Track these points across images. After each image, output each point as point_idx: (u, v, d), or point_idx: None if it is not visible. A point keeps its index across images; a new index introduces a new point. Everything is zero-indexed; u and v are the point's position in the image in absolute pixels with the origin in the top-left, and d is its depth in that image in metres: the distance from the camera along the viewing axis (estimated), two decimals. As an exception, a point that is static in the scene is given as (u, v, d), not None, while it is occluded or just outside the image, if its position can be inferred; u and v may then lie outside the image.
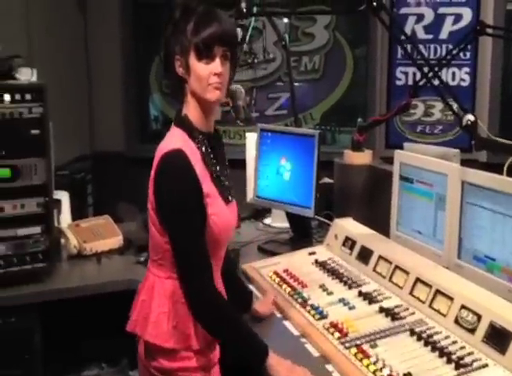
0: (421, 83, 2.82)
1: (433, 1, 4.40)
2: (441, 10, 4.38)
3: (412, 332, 1.78)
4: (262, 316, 2.05)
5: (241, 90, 2.87)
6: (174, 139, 1.72)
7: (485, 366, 1.59)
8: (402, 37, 2.64)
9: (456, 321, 1.75)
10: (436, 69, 2.73)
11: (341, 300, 2.05)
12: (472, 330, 1.69)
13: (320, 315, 1.96)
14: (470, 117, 2.07)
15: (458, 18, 4.35)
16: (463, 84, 4.38)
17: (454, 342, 1.70)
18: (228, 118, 3.70)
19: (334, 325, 1.87)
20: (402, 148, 2.51)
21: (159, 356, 1.76)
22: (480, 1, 4.31)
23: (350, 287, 2.14)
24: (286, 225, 2.97)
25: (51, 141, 2.52)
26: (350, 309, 1.99)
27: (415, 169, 2.30)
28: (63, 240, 2.76)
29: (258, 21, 4.36)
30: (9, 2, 3.55)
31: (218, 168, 1.79)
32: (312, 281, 2.22)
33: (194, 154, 1.71)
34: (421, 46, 4.32)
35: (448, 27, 4.37)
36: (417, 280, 1.97)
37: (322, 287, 2.16)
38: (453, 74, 4.36)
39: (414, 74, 4.38)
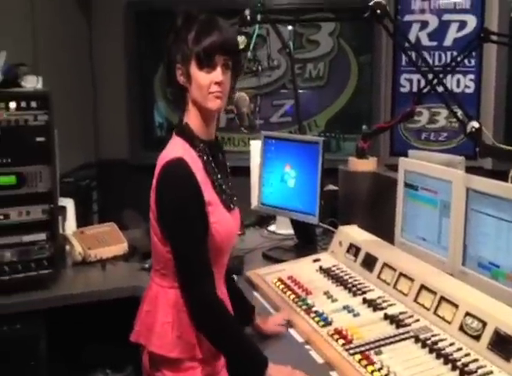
0: (426, 90, 2.82)
1: (437, 8, 4.40)
2: (446, 17, 4.38)
3: (417, 339, 1.78)
4: (265, 334, 1.99)
5: (245, 97, 2.88)
6: (176, 148, 1.73)
7: (490, 373, 1.59)
8: (407, 45, 2.65)
9: (461, 328, 1.75)
10: (440, 76, 2.73)
11: (346, 307, 2.04)
12: (477, 337, 1.69)
13: (325, 322, 1.96)
14: (474, 124, 2.08)
15: (462, 25, 4.35)
16: (468, 91, 4.38)
17: (459, 349, 1.70)
18: (232, 125, 3.70)
19: (339, 332, 1.87)
20: (406, 155, 2.51)
21: (164, 366, 1.76)
22: (484, 8, 4.31)
23: (354, 294, 2.13)
24: (291, 232, 2.97)
25: (56, 148, 2.53)
26: (354, 316, 1.99)
27: (419, 176, 2.30)
28: (67, 247, 2.77)
29: (262, 28, 4.37)
30: (14, 11, 3.57)
31: (219, 176, 1.79)
32: (317, 288, 2.22)
33: (195, 163, 1.71)
34: (425, 53, 4.32)
35: (452, 34, 4.37)
36: (422, 287, 1.97)
37: (327, 294, 2.16)
38: (458, 80, 4.37)
39: (419, 81, 4.39)
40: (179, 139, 1.76)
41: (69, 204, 2.95)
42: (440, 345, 1.73)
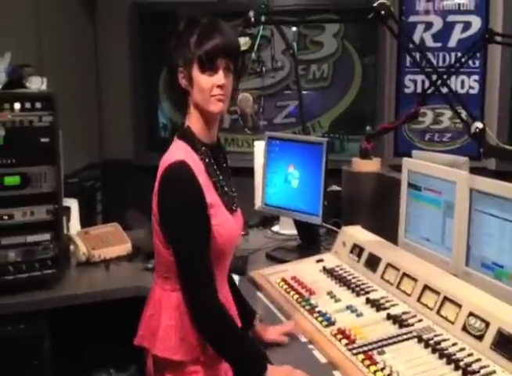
0: (430, 91, 2.82)
1: (442, 9, 4.40)
2: (450, 18, 4.38)
3: (420, 339, 1.78)
4: (264, 341, 1.94)
5: (249, 98, 2.89)
6: (178, 151, 1.73)
7: (493, 373, 1.59)
8: (411, 46, 2.65)
9: (464, 328, 1.75)
10: (445, 77, 2.73)
11: (349, 307, 2.05)
12: (480, 337, 1.69)
13: (328, 322, 1.96)
14: (478, 124, 2.08)
15: (467, 26, 4.35)
16: (472, 91, 4.37)
17: (462, 349, 1.70)
18: (236, 126, 3.70)
19: (342, 332, 1.87)
20: (410, 156, 2.51)
21: (167, 370, 1.76)
22: (489, 9, 4.30)
23: (358, 294, 2.13)
24: (294, 232, 2.97)
25: (60, 149, 2.53)
26: (357, 315, 1.99)
27: (423, 177, 2.30)
28: (72, 247, 2.78)
29: (266, 29, 4.36)
30: (19, 12, 3.58)
31: (221, 178, 1.80)
32: (320, 288, 2.22)
33: (197, 165, 1.72)
34: (430, 54, 4.32)
35: (457, 35, 4.37)
36: (425, 287, 1.97)
37: (330, 294, 2.16)
38: (462, 81, 4.36)
39: (423, 82, 4.38)
40: (181, 142, 1.76)
41: (73, 204, 2.96)
42: (443, 344, 1.73)
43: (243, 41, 2.76)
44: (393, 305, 2.01)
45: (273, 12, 3.19)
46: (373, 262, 2.25)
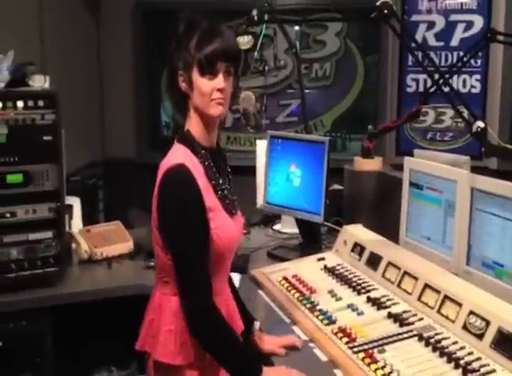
0: (432, 90, 2.82)
1: (444, 8, 4.40)
2: (453, 17, 4.38)
3: (421, 337, 1.78)
4: (262, 351, 1.92)
5: (251, 97, 2.89)
6: (177, 155, 1.73)
7: (493, 371, 1.59)
8: (413, 45, 2.65)
9: (465, 327, 1.75)
10: (447, 76, 2.73)
11: (350, 305, 2.05)
12: (480, 336, 1.69)
13: (329, 320, 1.96)
14: (480, 123, 2.08)
15: (469, 25, 4.34)
16: (474, 91, 4.37)
17: (462, 348, 1.70)
18: (238, 125, 3.70)
19: (343, 330, 1.88)
20: (412, 155, 2.51)
21: (168, 375, 1.76)
22: (491, 8, 4.30)
23: (359, 293, 2.14)
24: (296, 231, 2.98)
25: (63, 147, 2.54)
26: (358, 314, 2.00)
27: (425, 176, 2.30)
28: (74, 245, 2.79)
29: (269, 28, 4.37)
30: (22, 11, 3.59)
31: (220, 181, 1.80)
32: (321, 287, 2.22)
33: (197, 169, 1.71)
34: (432, 53, 4.31)
35: (459, 35, 4.36)
36: (426, 285, 1.97)
37: (331, 292, 2.17)
38: (464, 80, 4.36)
39: (425, 81, 4.38)
40: (181, 145, 1.76)
41: (75, 202, 2.97)
42: (443, 343, 1.73)
43: (246, 40, 2.77)
44: (394, 304, 2.02)
45: (276, 11, 3.19)
46: (374, 261, 2.26)
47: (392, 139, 4.51)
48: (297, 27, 4.55)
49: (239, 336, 1.79)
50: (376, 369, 1.65)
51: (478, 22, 4.33)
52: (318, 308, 2.06)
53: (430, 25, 4.42)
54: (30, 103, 2.42)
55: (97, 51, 4.78)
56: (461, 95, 3.48)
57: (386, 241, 2.40)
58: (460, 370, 1.60)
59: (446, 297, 1.87)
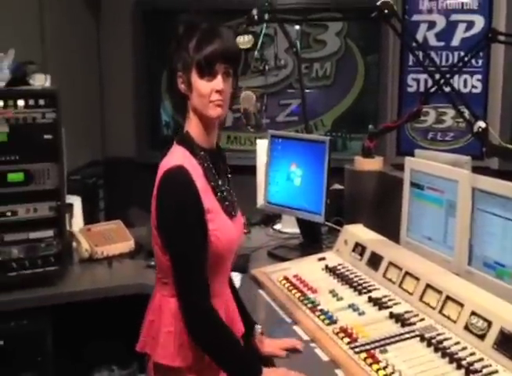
0: (433, 90, 2.82)
1: (445, 8, 4.40)
2: (453, 17, 4.38)
3: (422, 338, 1.78)
4: (261, 353, 1.91)
5: (252, 96, 2.89)
6: (176, 156, 1.72)
7: (495, 372, 1.59)
8: (414, 45, 2.65)
9: (466, 327, 1.75)
10: (448, 76, 2.73)
11: (351, 305, 2.05)
12: (482, 337, 1.69)
13: (330, 320, 1.96)
14: (481, 123, 2.08)
15: (470, 25, 4.35)
16: (475, 91, 4.37)
17: (464, 348, 1.70)
18: (239, 124, 3.70)
19: (344, 330, 1.87)
20: (413, 155, 2.51)
21: None
22: (492, 8, 4.30)
23: (360, 293, 2.14)
24: (297, 230, 2.97)
25: (63, 146, 2.54)
26: (360, 314, 1.99)
27: (425, 176, 2.30)
28: (74, 244, 2.79)
29: (270, 28, 4.37)
30: (23, 10, 3.59)
31: (220, 182, 1.79)
32: (322, 287, 2.22)
33: (196, 170, 1.71)
34: (433, 53, 4.31)
35: (460, 34, 4.37)
36: (427, 286, 1.97)
37: (332, 292, 2.17)
38: (465, 80, 4.36)
39: (426, 81, 4.38)
40: (180, 147, 1.75)
41: (76, 201, 2.97)
42: (445, 344, 1.73)
43: (246, 39, 2.76)
44: (395, 304, 2.02)
45: (276, 11, 3.18)
46: (375, 261, 2.25)
47: (393, 139, 4.51)
48: (297, 27, 4.56)
49: (238, 338, 1.78)
50: (377, 369, 1.65)
51: (479, 22, 4.33)
52: (319, 308, 2.06)
53: (431, 25, 4.42)
54: (31, 102, 2.41)
55: (97, 50, 4.78)
56: (462, 95, 3.48)
57: (387, 241, 2.39)
58: (463, 371, 1.60)
59: (448, 297, 1.87)
